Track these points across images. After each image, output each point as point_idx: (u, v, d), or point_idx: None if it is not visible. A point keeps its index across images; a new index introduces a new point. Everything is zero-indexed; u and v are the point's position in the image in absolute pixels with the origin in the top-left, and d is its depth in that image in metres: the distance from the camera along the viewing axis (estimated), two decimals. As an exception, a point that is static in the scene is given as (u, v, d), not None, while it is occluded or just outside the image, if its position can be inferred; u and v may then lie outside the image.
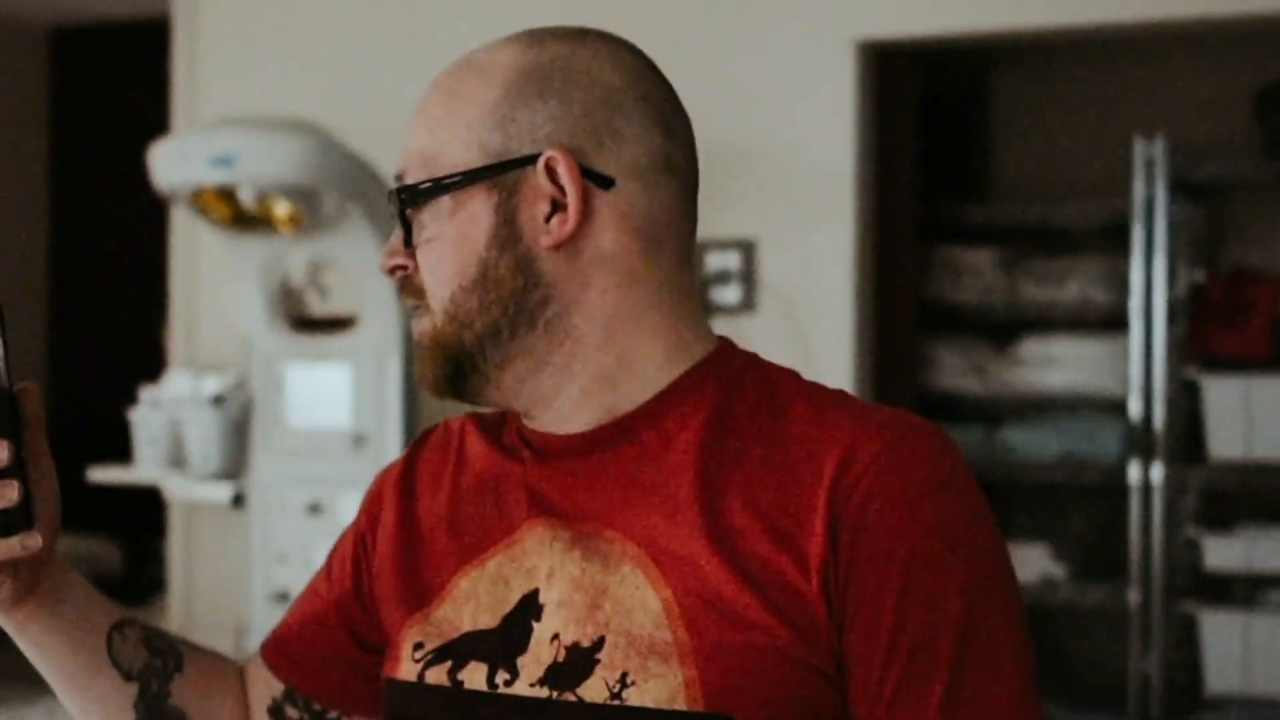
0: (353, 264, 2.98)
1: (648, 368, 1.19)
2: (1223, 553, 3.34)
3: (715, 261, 3.10)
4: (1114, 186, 3.49)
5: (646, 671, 1.11)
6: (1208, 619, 3.31)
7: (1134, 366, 3.36)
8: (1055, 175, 3.89)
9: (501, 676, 1.16)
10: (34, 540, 1.15)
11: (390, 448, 2.97)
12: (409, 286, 1.21)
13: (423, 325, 1.20)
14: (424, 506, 1.27)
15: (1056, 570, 3.59)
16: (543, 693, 1.14)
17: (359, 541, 1.32)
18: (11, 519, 1.14)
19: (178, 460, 3.15)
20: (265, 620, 3.05)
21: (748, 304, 3.06)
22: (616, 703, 1.11)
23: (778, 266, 3.08)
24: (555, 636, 1.15)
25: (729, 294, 3.07)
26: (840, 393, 1.22)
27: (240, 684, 1.36)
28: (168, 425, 3.13)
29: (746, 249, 3.06)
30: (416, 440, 1.34)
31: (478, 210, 1.17)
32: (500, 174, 1.17)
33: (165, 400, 3.15)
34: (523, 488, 1.21)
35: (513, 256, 1.16)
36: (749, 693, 1.10)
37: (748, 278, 3.06)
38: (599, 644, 1.13)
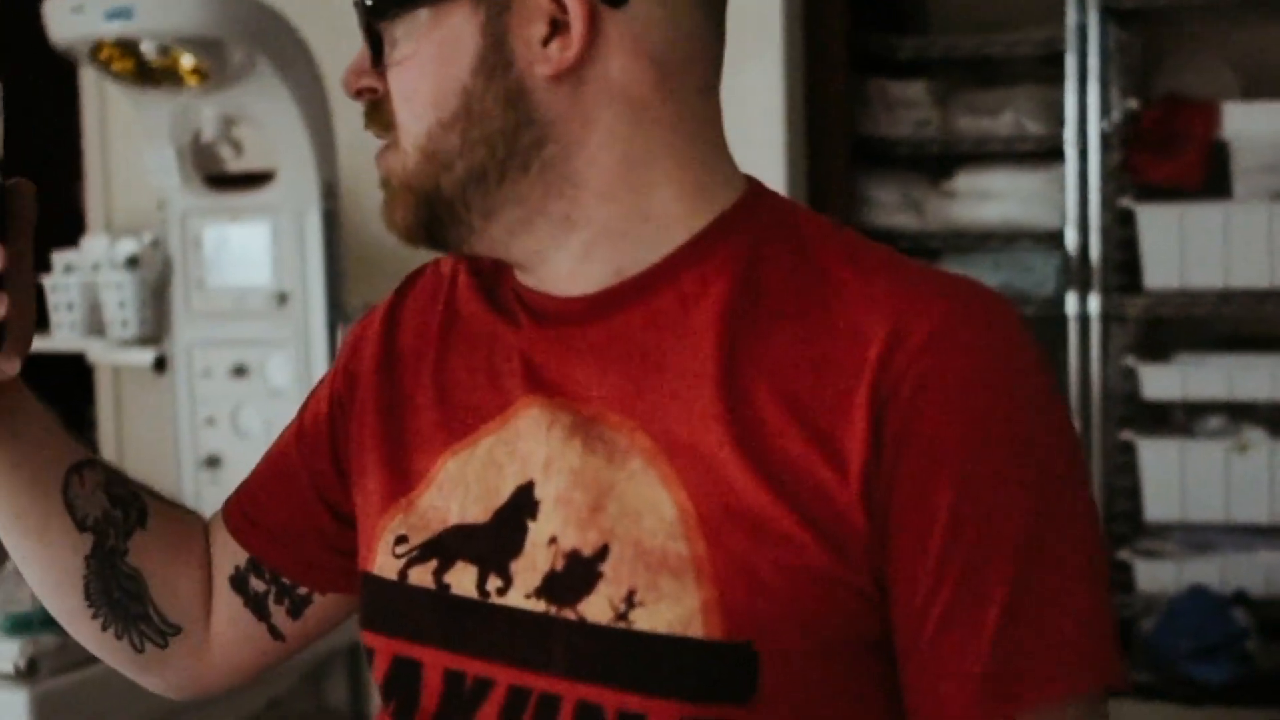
0: (266, 117, 2.89)
1: (663, 220, 1.02)
2: (1160, 382, 3.33)
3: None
4: (1048, 15, 3.41)
5: (657, 590, 0.96)
6: (1146, 447, 3.31)
7: (1070, 197, 3.32)
8: (989, 5, 3.81)
9: (493, 583, 1.02)
10: (12, 364, 1.01)
11: (314, 306, 2.90)
12: (377, 114, 1.05)
13: (392, 162, 1.04)
14: (407, 369, 1.13)
15: (995, 405, 3.57)
16: (539, 606, 1.00)
17: (334, 402, 1.17)
18: None
19: (96, 326, 3.08)
20: (195, 486, 3.00)
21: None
22: (622, 624, 0.97)
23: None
24: (553, 540, 1.00)
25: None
26: (889, 252, 1.03)
27: (205, 547, 1.22)
28: (84, 291, 3.05)
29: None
30: (401, 285, 1.18)
31: (460, 28, 1.00)
32: None
33: (80, 265, 3.07)
34: (518, 356, 1.06)
35: (502, 87, 0.99)
36: (774, 617, 0.95)
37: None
38: (602, 553, 0.98)
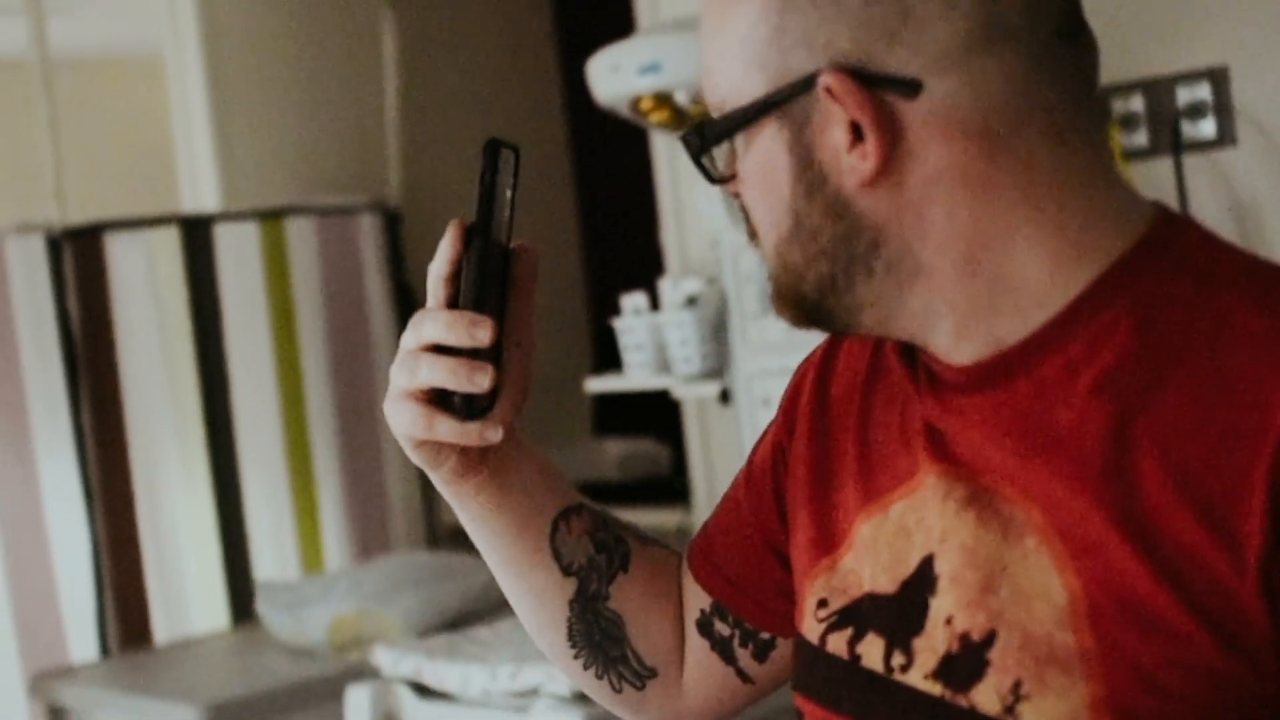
0: (802, 151, 2.95)
1: (1034, 287, 0.96)
2: None
3: (1184, 95, 2.88)
4: None
5: (1043, 683, 0.92)
6: None
7: None
8: None
9: (898, 659, 1.02)
10: (494, 433, 1.06)
11: (861, 331, 2.93)
12: (744, 214, 1.05)
13: (763, 258, 1.05)
14: (836, 419, 1.13)
15: None
16: (935, 689, 0.98)
17: (777, 449, 1.19)
18: (475, 402, 1.06)
19: (664, 364, 3.23)
20: (762, 512, 3.09)
21: (1224, 138, 2.82)
22: (1010, 719, 0.94)
23: (1255, 94, 2.82)
24: (949, 619, 0.99)
25: (1204, 129, 2.84)
26: None
27: (679, 592, 1.25)
28: (651, 331, 3.21)
29: (1216, 76, 2.82)
30: None
31: (771, 149, 0.99)
32: (783, 103, 0.97)
33: (645, 307, 3.23)
34: (920, 420, 1.04)
35: (822, 203, 0.98)
36: (1164, 717, 0.89)
37: (1222, 109, 2.83)
38: (990, 639, 0.96)
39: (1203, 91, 2.86)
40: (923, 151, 0.95)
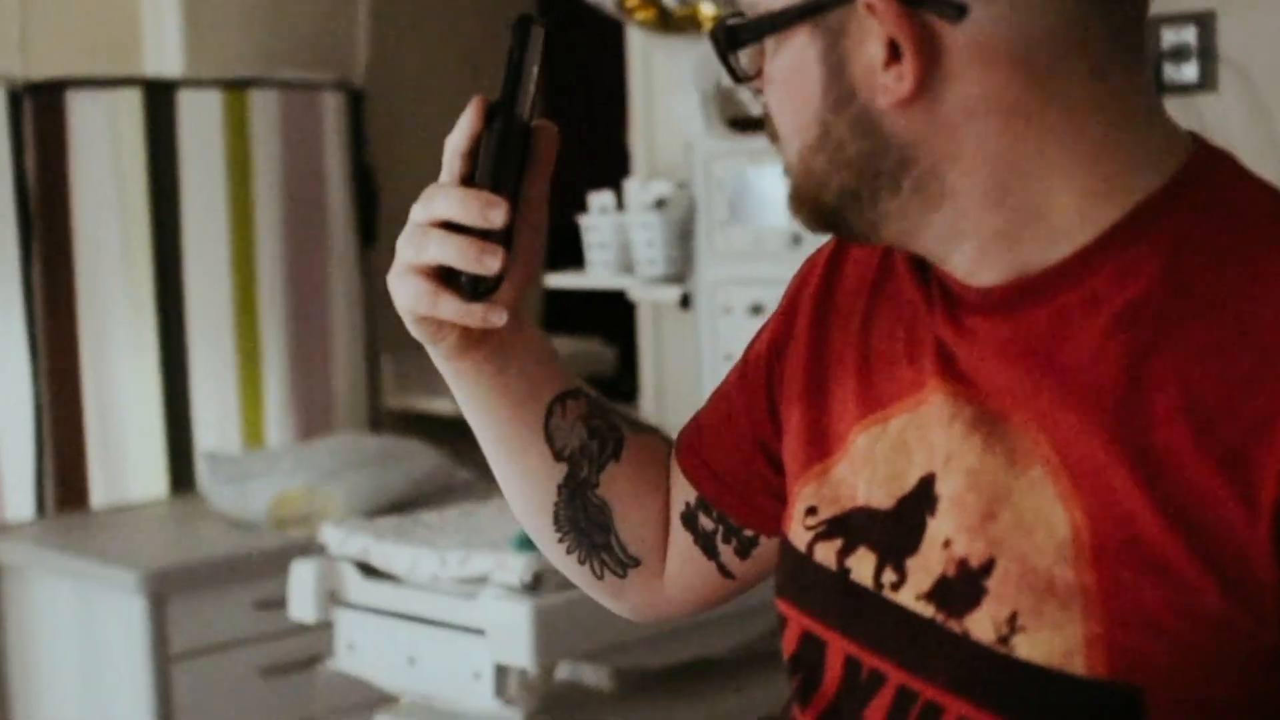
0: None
1: (1063, 219, 0.94)
2: None
3: (1169, 37, 2.88)
4: None
5: (1040, 617, 0.91)
6: None
7: None
8: None
9: (889, 576, 1.01)
10: (498, 317, 1.05)
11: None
12: (769, 123, 1.03)
13: (784, 163, 1.02)
14: (838, 323, 1.11)
15: None
16: (928, 610, 0.97)
17: (773, 347, 1.18)
18: (482, 283, 1.04)
19: (627, 265, 3.23)
20: (714, 419, 3.10)
21: (1205, 83, 2.84)
22: (1004, 649, 0.92)
23: (1239, 39, 2.83)
24: (947, 543, 0.97)
25: (1186, 72, 2.85)
26: None
27: (668, 482, 1.24)
28: (616, 230, 3.21)
29: (1203, 21, 2.83)
30: None
31: (802, 58, 0.96)
32: (820, 11, 0.94)
33: (612, 207, 3.23)
34: (932, 337, 1.02)
35: (850, 118, 0.95)
36: (1165, 663, 0.88)
37: (1205, 53, 2.84)
38: (988, 567, 0.94)
39: (1188, 35, 2.87)
40: (960, 77, 0.92)
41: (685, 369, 3.39)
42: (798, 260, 3.10)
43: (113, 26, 3.99)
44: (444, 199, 1.03)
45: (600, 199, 3.26)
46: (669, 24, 2.88)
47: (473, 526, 2.70)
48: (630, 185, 3.28)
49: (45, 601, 3.33)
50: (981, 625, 0.94)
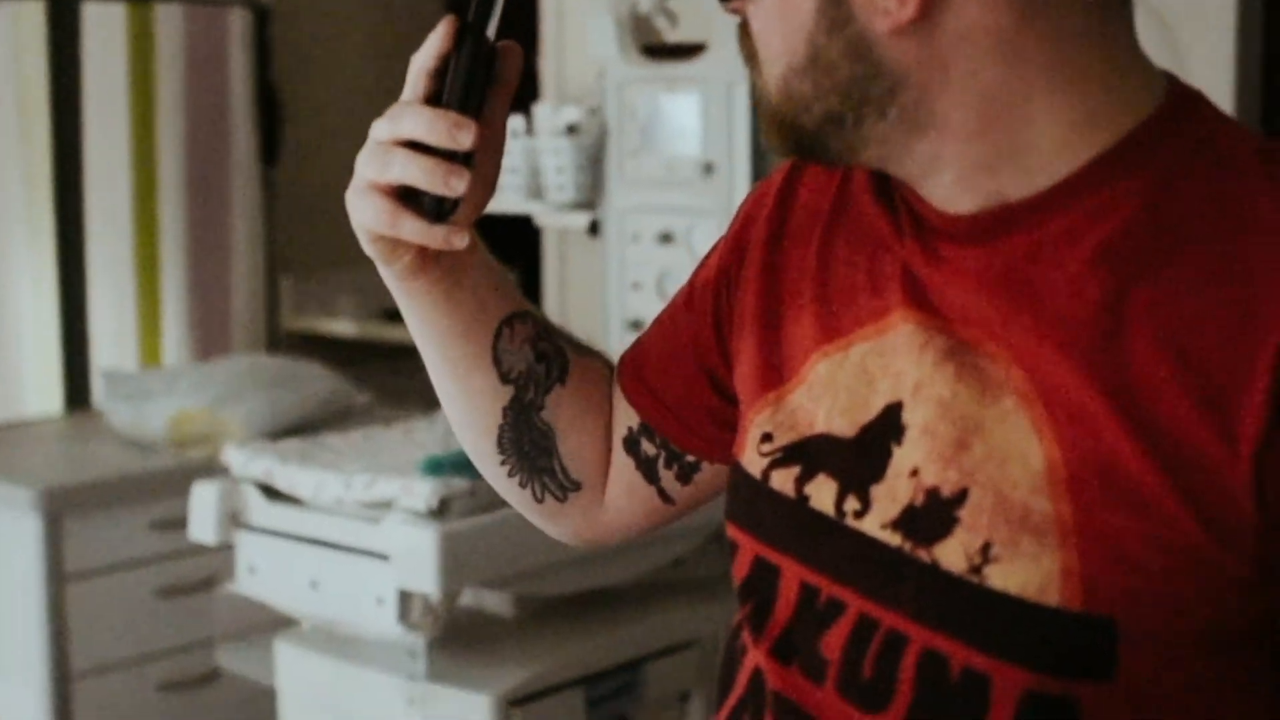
0: (700, -11, 2.93)
1: (1044, 152, 0.95)
2: None
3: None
4: None
5: (1015, 547, 0.91)
6: None
7: None
8: None
9: (851, 504, 1.00)
10: (460, 239, 1.03)
11: (739, 176, 2.94)
12: (745, 40, 1.02)
13: (759, 88, 1.01)
14: (793, 249, 1.10)
15: None
16: (894, 539, 0.97)
17: (722, 272, 1.17)
18: (445, 205, 1.03)
19: (537, 190, 3.21)
20: (621, 347, 3.10)
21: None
22: (975, 579, 0.92)
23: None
24: (915, 472, 0.97)
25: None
26: None
27: (610, 406, 1.23)
28: (527, 155, 3.18)
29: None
30: None
31: None
32: None
33: (523, 131, 3.20)
34: (900, 264, 1.01)
35: (844, 41, 0.94)
36: (1139, 595, 0.88)
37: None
38: (960, 497, 0.94)
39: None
40: (959, 7, 0.92)
41: (590, 296, 3.39)
42: (708, 189, 3.11)
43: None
44: (412, 118, 1.01)
45: (511, 122, 3.23)
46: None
47: (376, 450, 2.68)
48: (540, 110, 3.25)
49: (-63, 519, 3.28)
50: (953, 555, 0.93)
